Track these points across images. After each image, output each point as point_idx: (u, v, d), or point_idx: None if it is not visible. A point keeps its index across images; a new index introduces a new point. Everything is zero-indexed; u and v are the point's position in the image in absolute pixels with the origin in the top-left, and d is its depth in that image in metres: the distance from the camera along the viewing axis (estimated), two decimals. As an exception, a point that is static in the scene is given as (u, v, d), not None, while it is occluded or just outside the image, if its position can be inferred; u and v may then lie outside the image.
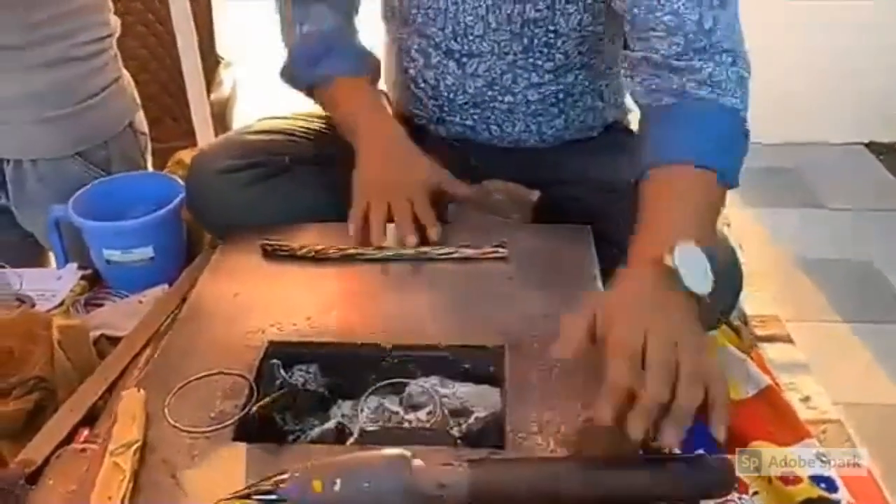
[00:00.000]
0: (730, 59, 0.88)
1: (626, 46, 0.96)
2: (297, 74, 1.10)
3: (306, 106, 1.20)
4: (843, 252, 2.22)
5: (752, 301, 1.14)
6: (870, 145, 2.79)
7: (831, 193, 2.52)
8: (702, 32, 0.87)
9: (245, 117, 1.93)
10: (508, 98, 1.07)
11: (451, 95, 1.08)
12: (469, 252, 0.94)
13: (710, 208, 0.82)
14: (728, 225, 1.28)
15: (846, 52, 2.65)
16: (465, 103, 1.08)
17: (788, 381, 1.02)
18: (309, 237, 0.98)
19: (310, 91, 1.10)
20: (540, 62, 1.04)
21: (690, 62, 0.87)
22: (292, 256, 0.95)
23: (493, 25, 1.02)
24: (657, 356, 0.64)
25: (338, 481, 0.58)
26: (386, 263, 0.94)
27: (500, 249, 0.94)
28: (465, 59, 1.05)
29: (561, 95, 1.07)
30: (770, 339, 1.10)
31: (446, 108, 1.10)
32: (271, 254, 0.96)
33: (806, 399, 1.00)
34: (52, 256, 1.27)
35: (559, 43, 1.03)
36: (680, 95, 0.88)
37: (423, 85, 1.10)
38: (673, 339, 0.65)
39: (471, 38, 1.04)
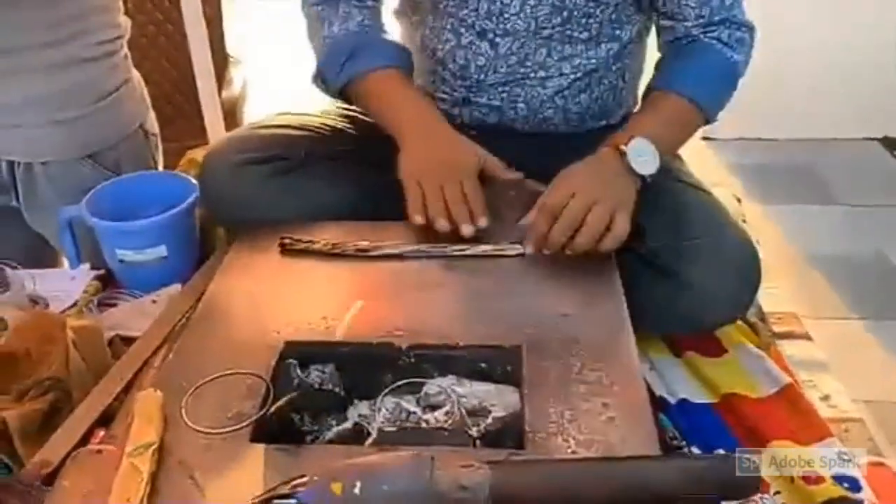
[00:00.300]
0: (744, 30, 1.07)
1: (658, 14, 1.09)
2: (329, 76, 1.08)
3: (317, 103, 1.20)
4: (859, 248, 2.20)
5: (767, 298, 1.13)
6: (884, 140, 2.77)
7: (846, 189, 2.50)
8: (724, 7, 1.05)
9: (255, 115, 1.93)
10: (541, 73, 1.07)
11: (482, 76, 1.08)
12: (487, 248, 0.93)
13: (682, 130, 1.05)
14: (745, 220, 1.27)
15: (859, 47, 2.63)
16: (495, 83, 1.08)
17: (807, 379, 1.01)
18: (325, 234, 0.98)
19: (342, 92, 1.09)
20: (576, 33, 1.05)
21: (711, 30, 1.05)
22: (308, 252, 0.95)
23: (532, 1, 1.03)
24: (567, 211, 0.89)
25: (357, 484, 0.57)
26: (402, 260, 0.93)
27: (517, 246, 0.93)
28: (497, 39, 1.06)
29: (590, 68, 1.08)
30: (788, 336, 1.09)
31: (474, 89, 1.09)
32: (288, 250, 0.96)
33: (826, 398, 0.98)
34: (63, 258, 1.27)
35: (598, 11, 1.04)
36: (693, 39, 1.06)
37: (451, 66, 1.09)
38: (591, 199, 0.89)
39: (506, 16, 1.04)
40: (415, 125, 1.01)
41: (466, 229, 0.93)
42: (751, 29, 1.07)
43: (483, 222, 0.93)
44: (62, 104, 1.16)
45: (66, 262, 1.22)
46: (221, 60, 1.83)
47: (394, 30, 1.18)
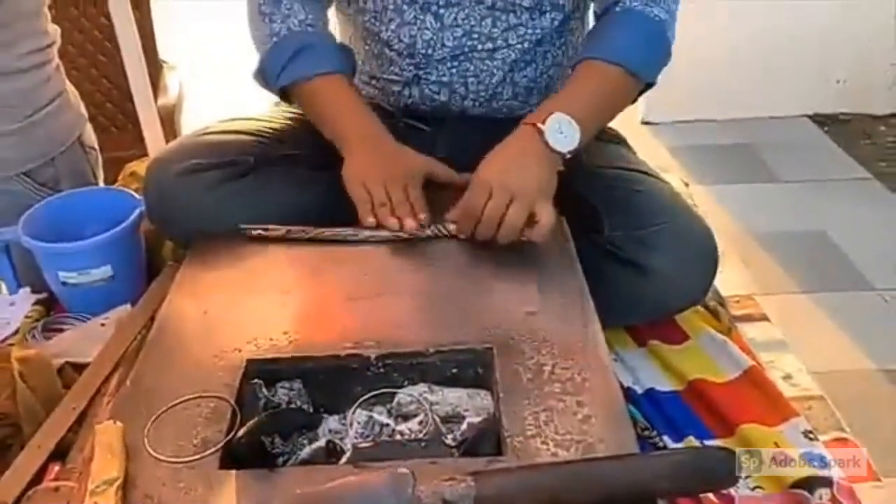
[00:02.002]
0: None
1: None
2: (270, 76, 1.06)
3: (258, 107, 1.17)
4: (798, 224, 2.26)
5: (722, 280, 1.14)
6: (813, 117, 2.85)
7: (783, 166, 2.56)
8: None
9: (193, 122, 1.87)
10: (488, 45, 1.06)
11: (429, 51, 1.06)
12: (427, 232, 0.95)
13: (612, 97, 1.02)
14: (695, 204, 1.28)
15: (786, 28, 2.70)
16: (444, 58, 1.07)
17: (768, 360, 1.03)
18: (276, 249, 0.95)
19: (283, 92, 1.07)
20: (519, 0, 1.04)
21: None
22: (279, 240, 0.95)
23: None
24: (487, 212, 0.90)
25: (339, 508, 0.55)
26: (367, 245, 0.94)
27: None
28: (442, 11, 1.04)
29: (535, 39, 1.08)
30: (747, 318, 1.10)
31: (423, 66, 1.08)
32: (257, 239, 0.95)
33: (788, 377, 1.00)
34: (0, 283, 1.21)
35: None
36: (616, 5, 1.04)
37: (397, 46, 1.08)
38: (509, 195, 0.89)
39: None
40: (359, 134, 1.01)
41: (409, 223, 0.93)
42: None
43: (423, 217, 0.94)
44: None
45: (3, 288, 1.16)
46: (155, 67, 1.76)
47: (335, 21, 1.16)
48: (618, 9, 1.04)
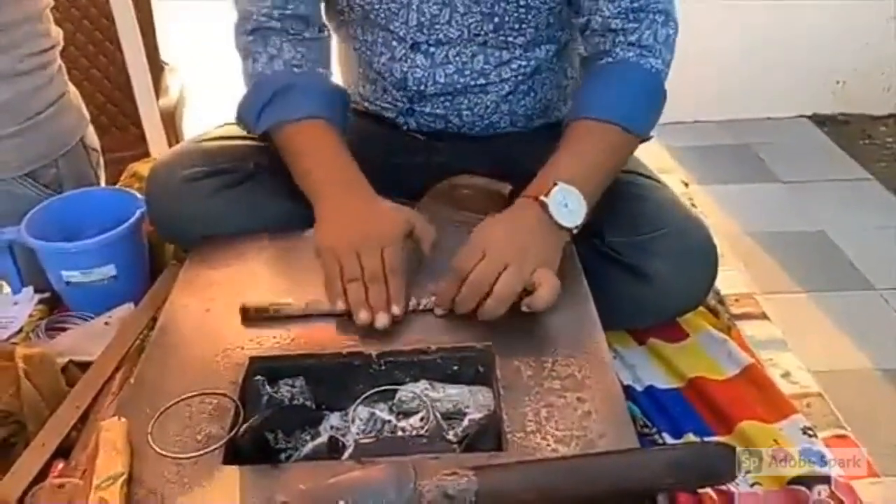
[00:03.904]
0: (662, 19, 0.96)
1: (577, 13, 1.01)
2: (247, 121, 1.01)
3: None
4: (797, 224, 2.27)
5: (721, 279, 1.15)
6: (813, 118, 2.85)
7: (783, 166, 2.57)
8: None
9: (195, 123, 1.88)
10: (481, 80, 1.05)
11: (421, 87, 1.05)
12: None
13: (611, 157, 0.94)
14: (694, 205, 1.29)
15: (785, 28, 2.70)
16: (436, 93, 1.06)
17: (767, 358, 1.03)
18: (277, 245, 0.96)
19: (266, 136, 1.00)
20: (511, 38, 1.02)
21: (626, 23, 0.95)
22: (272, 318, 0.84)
23: (461, 10, 0.99)
24: (474, 275, 0.81)
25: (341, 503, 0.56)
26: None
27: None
28: (432, 49, 1.03)
29: (530, 72, 1.06)
30: (746, 316, 1.11)
31: (416, 100, 1.07)
32: (252, 317, 0.85)
33: (786, 374, 1.01)
34: (3, 282, 1.21)
35: (530, 17, 1.01)
36: (608, 55, 0.97)
37: (389, 78, 1.06)
38: (502, 262, 0.80)
39: (437, 26, 1.01)
40: (332, 190, 0.92)
41: (380, 320, 0.81)
42: (674, 21, 0.97)
43: (397, 310, 0.82)
44: None
45: (6, 287, 1.16)
46: (156, 68, 1.77)
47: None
48: (611, 59, 0.96)
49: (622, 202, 0.96)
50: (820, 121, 2.85)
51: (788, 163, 2.58)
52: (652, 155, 1.25)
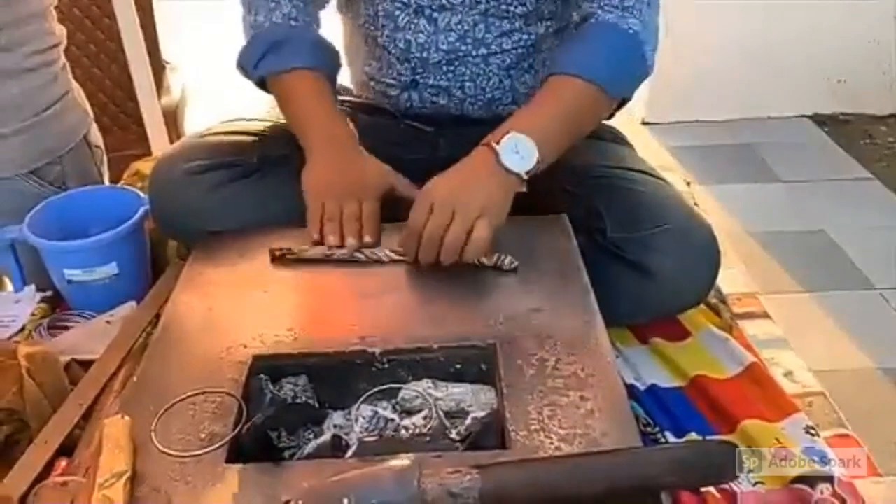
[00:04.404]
0: None
1: None
2: (247, 68, 1.07)
3: (261, 107, 1.17)
4: (798, 223, 2.27)
5: (723, 278, 1.15)
6: (813, 117, 2.85)
7: (784, 166, 2.57)
8: None
9: (196, 122, 1.88)
10: (482, 50, 1.06)
11: (424, 54, 1.06)
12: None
13: (580, 113, 0.96)
14: (696, 203, 1.29)
15: (787, 28, 2.70)
16: (439, 61, 1.07)
17: (769, 357, 1.03)
18: (284, 240, 0.95)
19: (262, 84, 1.07)
20: (512, 7, 1.04)
21: None
22: (299, 261, 0.93)
23: None
24: (427, 231, 0.86)
25: (345, 501, 0.56)
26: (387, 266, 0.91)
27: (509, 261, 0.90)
28: (436, 14, 1.04)
29: (531, 48, 1.07)
30: (748, 316, 1.11)
31: (419, 70, 1.08)
32: (278, 258, 0.93)
33: (789, 374, 1.01)
34: (6, 280, 1.21)
35: None
36: (592, 17, 0.99)
37: (393, 49, 1.08)
38: (449, 213, 0.85)
39: None
40: (323, 139, 0.99)
41: (349, 242, 0.91)
42: None
43: (368, 239, 0.91)
44: (1, 118, 1.10)
45: (9, 285, 1.16)
46: (158, 67, 1.77)
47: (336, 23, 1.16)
48: (592, 21, 0.99)
49: (624, 198, 0.97)
50: (821, 120, 2.85)
51: (789, 162, 2.58)
52: (653, 154, 1.26)
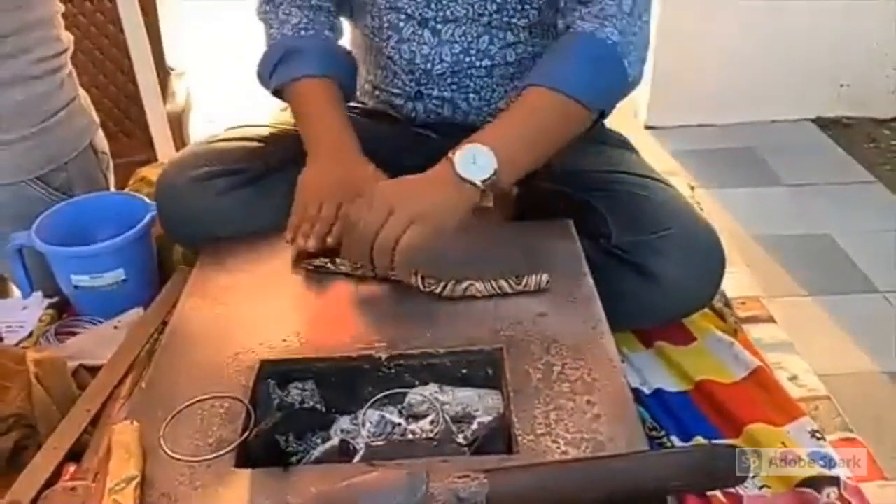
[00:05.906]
0: None
1: None
2: (263, 79, 1.09)
3: (266, 112, 1.18)
4: (802, 227, 2.27)
5: (728, 282, 1.15)
6: (817, 121, 2.85)
7: (787, 169, 2.57)
8: None
9: (201, 128, 1.89)
10: (486, 62, 1.06)
11: (428, 66, 1.07)
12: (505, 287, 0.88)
13: (550, 124, 0.94)
14: (701, 208, 1.29)
15: (790, 32, 2.71)
16: (443, 73, 1.07)
17: (774, 361, 1.03)
18: (288, 251, 0.95)
19: (280, 94, 1.09)
20: (515, 20, 1.04)
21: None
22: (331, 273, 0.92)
23: None
24: (361, 224, 0.84)
25: (354, 506, 0.56)
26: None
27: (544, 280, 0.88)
28: (439, 26, 1.05)
29: (535, 59, 1.06)
30: (753, 320, 1.11)
31: (423, 81, 1.09)
32: (312, 272, 0.93)
33: (794, 378, 1.01)
34: (13, 287, 1.22)
35: None
36: (572, 27, 0.97)
37: (398, 60, 1.09)
38: (385, 211, 0.83)
39: (444, 2, 1.03)
40: (323, 144, 1.00)
41: (310, 243, 0.92)
42: None
43: (330, 241, 0.92)
44: (7, 125, 1.11)
45: (16, 291, 1.17)
46: (163, 73, 1.78)
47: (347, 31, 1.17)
48: (570, 30, 0.97)
49: (629, 203, 0.97)
50: (824, 124, 2.85)
51: (792, 166, 2.58)
52: (656, 158, 1.26)
